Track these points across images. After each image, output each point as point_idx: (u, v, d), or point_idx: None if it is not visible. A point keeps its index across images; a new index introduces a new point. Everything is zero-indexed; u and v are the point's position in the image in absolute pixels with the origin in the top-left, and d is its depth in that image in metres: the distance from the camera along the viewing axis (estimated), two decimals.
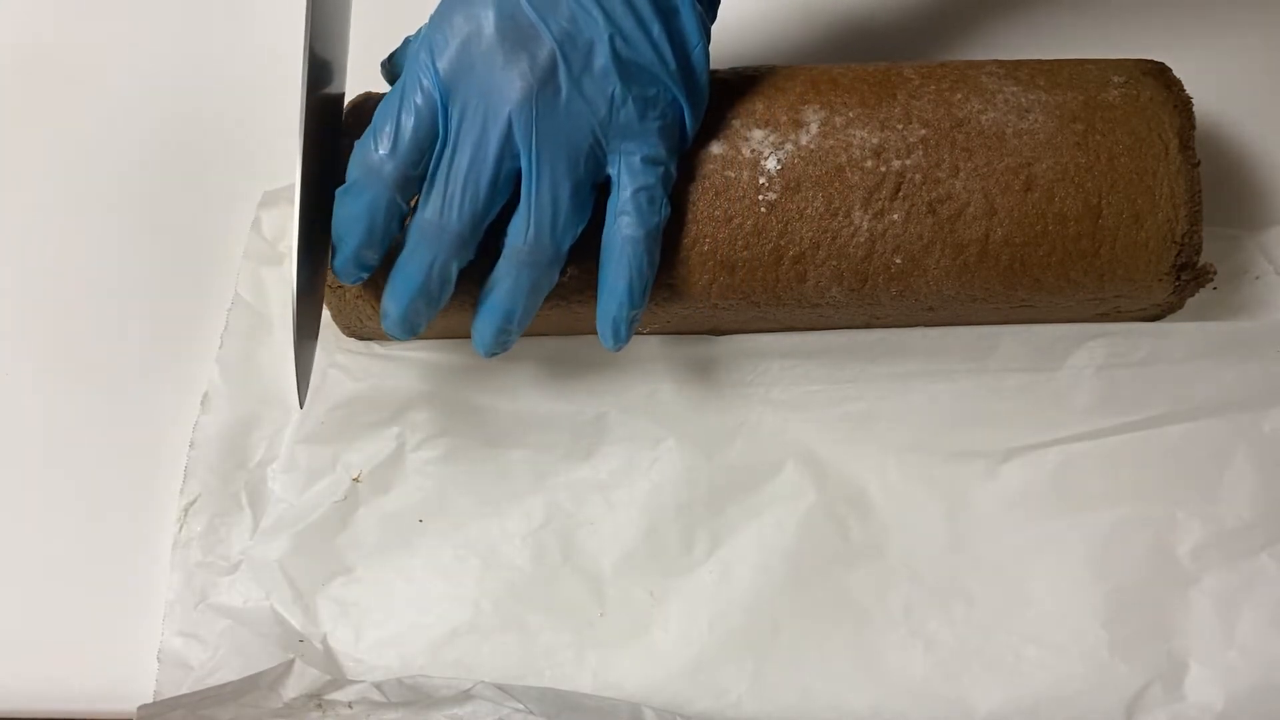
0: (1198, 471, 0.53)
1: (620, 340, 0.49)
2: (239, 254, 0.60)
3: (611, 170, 0.48)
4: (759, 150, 0.50)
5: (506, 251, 0.47)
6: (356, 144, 0.47)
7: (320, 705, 0.49)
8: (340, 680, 0.50)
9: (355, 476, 0.55)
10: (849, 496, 0.54)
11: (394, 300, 0.48)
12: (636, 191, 0.47)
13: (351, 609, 0.53)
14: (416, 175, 0.47)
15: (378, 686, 0.49)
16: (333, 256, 0.49)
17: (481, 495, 0.55)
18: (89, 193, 0.64)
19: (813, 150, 0.50)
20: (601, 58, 0.46)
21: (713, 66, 0.49)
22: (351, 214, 0.47)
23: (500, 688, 0.48)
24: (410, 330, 0.49)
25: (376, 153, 0.47)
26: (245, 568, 0.53)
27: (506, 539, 0.54)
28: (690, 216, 0.50)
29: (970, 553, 0.53)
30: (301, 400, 0.52)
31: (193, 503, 0.54)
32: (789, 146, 0.50)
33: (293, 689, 0.49)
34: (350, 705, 0.49)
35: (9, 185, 0.65)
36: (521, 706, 0.48)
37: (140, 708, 0.48)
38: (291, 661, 0.50)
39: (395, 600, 0.53)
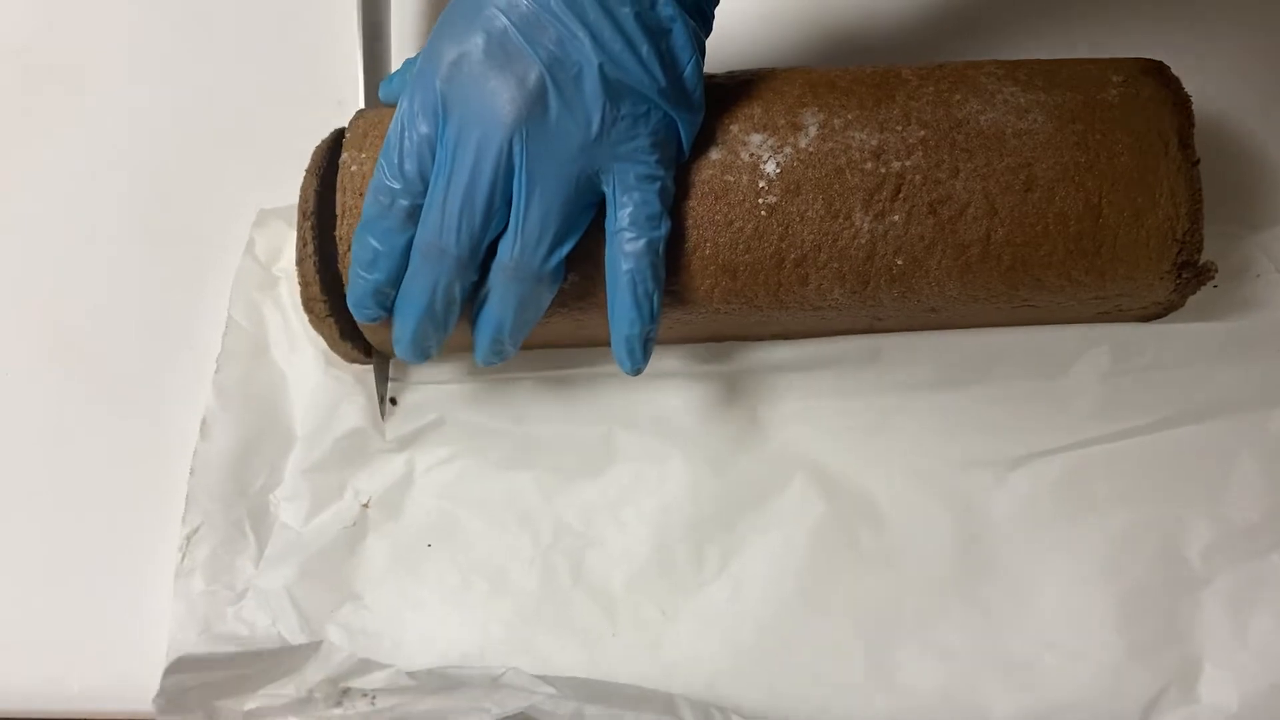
0: (1205, 473, 0.53)
1: (638, 361, 0.49)
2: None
3: (608, 189, 0.48)
4: (758, 154, 0.50)
5: (495, 265, 0.48)
6: (371, 181, 0.48)
7: (339, 702, 0.49)
8: (370, 664, 0.49)
9: (365, 503, 0.55)
10: (858, 508, 0.54)
11: (402, 323, 0.49)
12: (635, 209, 0.47)
13: (359, 636, 0.52)
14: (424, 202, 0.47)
15: (410, 674, 0.49)
16: (348, 292, 0.49)
17: (490, 518, 0.55)
18: (88, 205, 0.64)
19: (812, 153, 0.50)
20: (590, 80, 0.46)
21: (709, 71, 0.50)
22: (373, 251, 0.48)
23: (533, 675, 0.48)
24: (422, 353, 0.50)
25: (388, 185, 0.47)
26: (251, 595, 0.53)
27: (516, 561, 0.54)
28: (690, 221, 0.50)
29: (982, 561, 0.53)
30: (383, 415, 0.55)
31: (194, 531, 0.53)
32: (788, 150, 0.50)
33: (318, 672, 0.49)
34: (370, 697, 0.49)
35: (7, 199, 0.65)
36: (554, 691, 0.47)
37: (176, 662, 0.49)
38: (319, 643, 0.49)
39: (404, 627, 0.53)
